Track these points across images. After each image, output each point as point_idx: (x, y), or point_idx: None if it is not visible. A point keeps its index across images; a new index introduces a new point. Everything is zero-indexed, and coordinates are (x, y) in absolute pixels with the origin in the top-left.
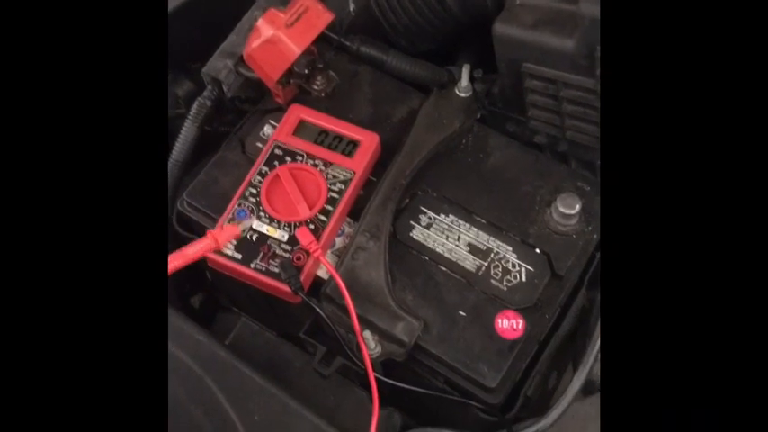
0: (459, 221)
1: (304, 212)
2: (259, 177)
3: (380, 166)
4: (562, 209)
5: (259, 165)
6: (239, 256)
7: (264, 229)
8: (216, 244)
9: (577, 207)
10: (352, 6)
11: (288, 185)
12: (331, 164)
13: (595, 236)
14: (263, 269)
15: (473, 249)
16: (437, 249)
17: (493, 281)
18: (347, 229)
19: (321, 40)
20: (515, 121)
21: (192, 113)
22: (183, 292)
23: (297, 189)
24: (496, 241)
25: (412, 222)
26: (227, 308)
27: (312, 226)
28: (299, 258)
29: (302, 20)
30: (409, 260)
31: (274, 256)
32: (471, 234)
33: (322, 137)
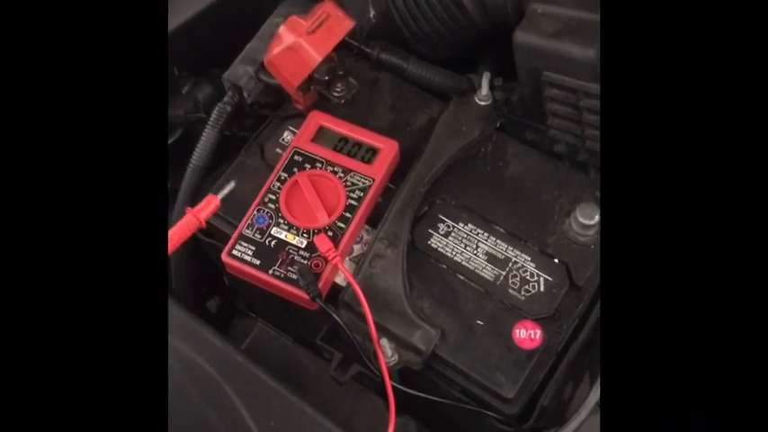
0: (478, 230)
1: (323, 219)
2: (278, 183)
3: (399, 173)
4: (581, 219)
5: (278, 171)
6: (258, 261)
7: (283, 235)
8: (197, 221)
9: (597, 217)
10: (372, 13)
11: (307, 192)
12: (350, 171)
13: None
14: (282, 275)
15: (491, 258)
16: (455, 258)
17: (511, 290)
18: (365, 237)
19: (341, 46)
20: (535, 130)
21: (212, 119)
22: (200, 296)
23: (316, 196)
24: (515, 251)
25: (430, 230)
26: (243, 313)
27: (330, 233)
28: (317, 265)
29: (324, 27)
30: (427, 268)
31: (293, 262)
32: (490, 243)
33: (341, 144)
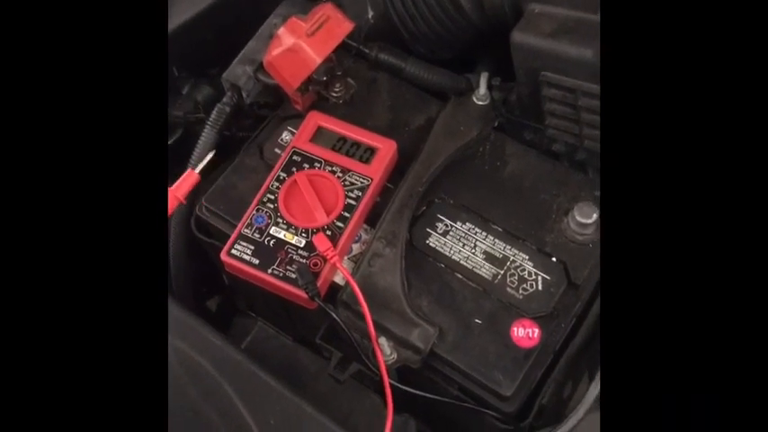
0: (476, 229)
1: (321, 219)
2: (277, 183)
3: (398, 173)
4: (579, 218)
5: (277, 171)
6: (257, 261)
7: (282, 234)
8: (177, 198)
9: (594, 216)
10: (371, 14)
11: (305, 192)
12: (348, 170)
13: None
14: (280, 274)
15: (489, 257)
16: (453, 257)
17: (509, 289)
18: (364, 236)
19: (340, 47)
20: (533, 130)
21: (211, 119)
22: (200, 296)
23: (314, 195)
24: (513, 249)
25: (428, 229)
26: (243, 312)
27: (329, 232)
28: (315, 264)
29: (323, 29)
30: (425, 267)
31: (291, 261)
32: (488, 242)
33: (340, 143)
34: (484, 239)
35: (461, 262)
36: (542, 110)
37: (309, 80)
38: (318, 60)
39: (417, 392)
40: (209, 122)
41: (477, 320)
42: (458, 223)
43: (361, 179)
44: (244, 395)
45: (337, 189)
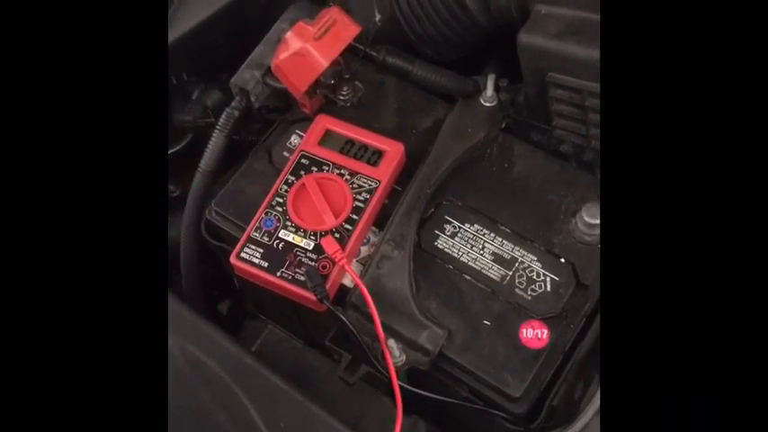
0: (484, 231)
1: (330, 221)
2: (286, 186)
3: (406, 175)
4: (587, 218)
5: (286, 174)
6: (266, 264)
7: (291, 237)
8: None
9: None
10: (378, 17)
11: (314, 195)
12: (356, 173)
13: None
14: (290, 277)
15: (498, 259)
16: (462, 258)
17: (517, 290)
18: (372, 238)
19: (347, 50)
20: (540, 131)
21: (220, 123)
22: (211, 299)
23: (323, 198)
24: (521, 251)
25: (437, 231)
26: (254, 315)
27: (338, 235)
28: (324, 267)
29: (330, 33)
30: (434, 269)
31: (300, 264)
32: (496, 243)
33: (348, 146)
34: (492, 241)
35: (470, 263)
36: (549, 111)
37: (317, 84)
38: (325, 64)
39: (427, 394)
40: (218, 127)
41: (485, 322)
42: (466, 225)
43: (369, 182)
44: (254, 398)
45: (345, 192)
